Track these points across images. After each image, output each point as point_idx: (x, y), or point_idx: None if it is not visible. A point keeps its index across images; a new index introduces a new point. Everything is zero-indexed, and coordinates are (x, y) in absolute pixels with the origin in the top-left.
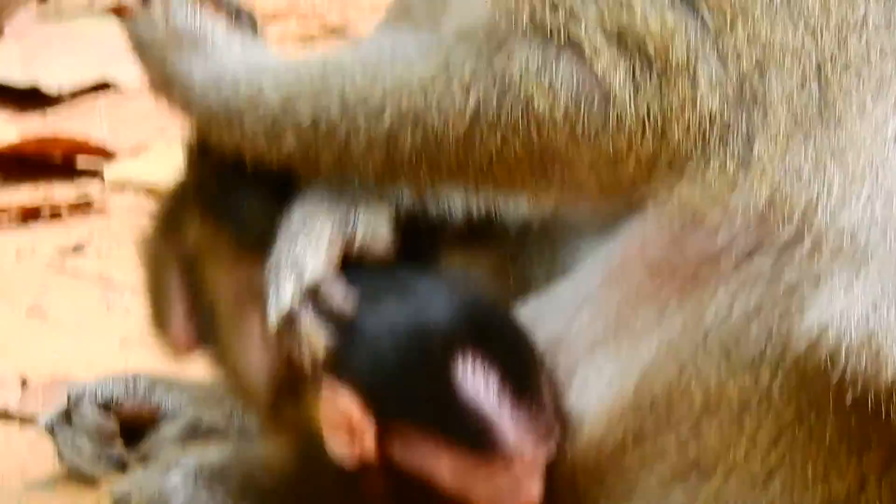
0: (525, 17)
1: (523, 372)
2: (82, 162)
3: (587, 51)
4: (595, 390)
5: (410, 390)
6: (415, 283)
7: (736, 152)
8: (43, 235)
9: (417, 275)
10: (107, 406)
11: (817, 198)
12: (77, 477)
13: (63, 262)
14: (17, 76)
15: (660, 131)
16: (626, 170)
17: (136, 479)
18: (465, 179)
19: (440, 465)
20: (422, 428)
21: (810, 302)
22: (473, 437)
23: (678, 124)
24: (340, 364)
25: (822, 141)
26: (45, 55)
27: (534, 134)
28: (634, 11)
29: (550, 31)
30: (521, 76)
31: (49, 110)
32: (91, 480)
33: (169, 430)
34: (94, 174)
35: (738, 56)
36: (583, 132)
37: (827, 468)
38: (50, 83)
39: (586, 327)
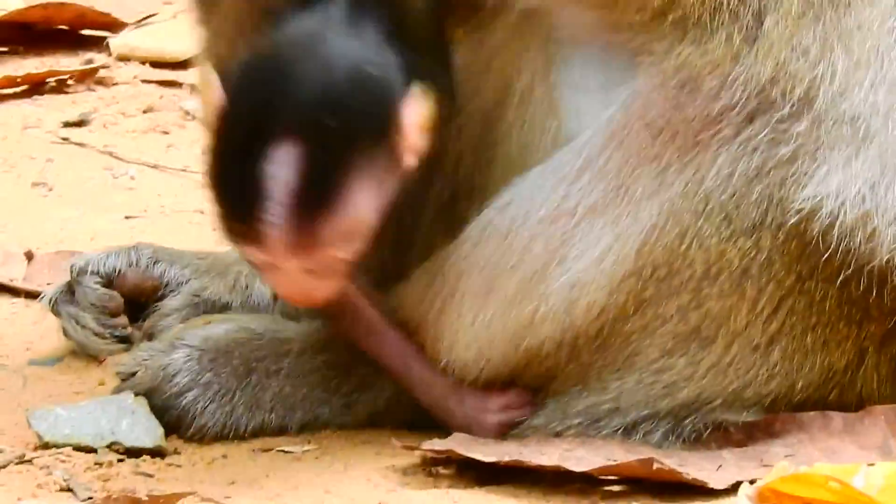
0: None
1: (325, 186)
2: (88, 32)
3: None
4: (595, 256)
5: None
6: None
7: (745, 26)
8: (48, 107)
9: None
10: (109, 279)
11: (820, 79)
12: (82, 353)
13: (68, 134)
14: None
15: None
16: (629, 14)
17: (141, 356)
18: None
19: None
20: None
21: (807, 176)
22: (238, 210)
23: None
24: None
25: (830, 23)
26: None
27: None
28: None
29: None
30: None
31: None
32: (96, 356)
33: (172, 302)
34: (100, 43)
35: None
36: None
37: (827, 338)
38: None
39: (587, 192)
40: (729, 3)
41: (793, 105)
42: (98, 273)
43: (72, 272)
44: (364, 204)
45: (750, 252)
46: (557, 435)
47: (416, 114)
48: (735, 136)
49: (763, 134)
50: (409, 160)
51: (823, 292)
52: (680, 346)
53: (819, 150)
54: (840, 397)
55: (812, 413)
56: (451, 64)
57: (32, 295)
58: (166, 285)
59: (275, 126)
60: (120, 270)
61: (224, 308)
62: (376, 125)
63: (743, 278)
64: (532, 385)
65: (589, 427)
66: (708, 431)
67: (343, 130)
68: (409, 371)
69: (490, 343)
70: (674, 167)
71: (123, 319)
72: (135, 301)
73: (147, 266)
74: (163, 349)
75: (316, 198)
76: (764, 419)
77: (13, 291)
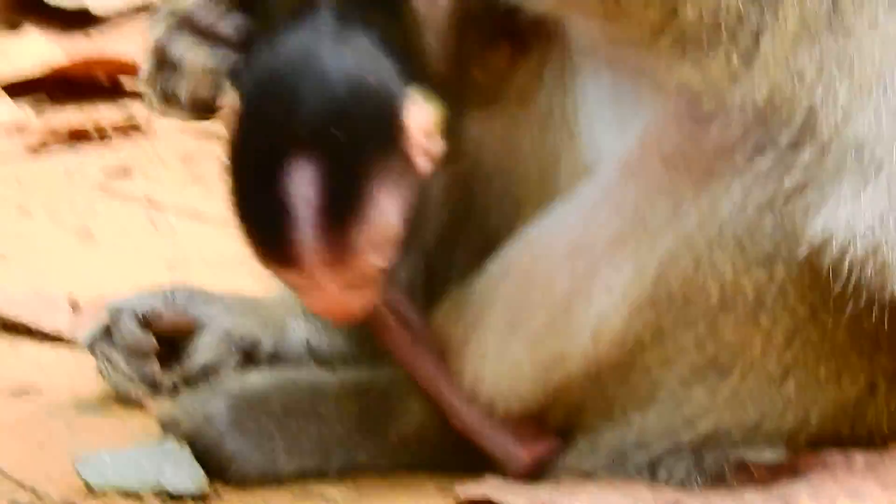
0: None
1: (350, 199)
2: (127, 83)
3: None
4: (615, 288)
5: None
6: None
7: (742, 45)
8: (90, 157)
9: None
10: (146, 320)
11: (821, 104)
12: (125, 399)
13: (110, 183)
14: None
15: (671, 6)
16: (630, 28)
17: (183, 404)
18: None
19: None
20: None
21: (817, 207)
22: (266, 233)
23: (692, 5)
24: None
25: (827, 47)
26: None
27: None
28: None
29: None
30: None
31: (94, 32)
32: (138, 402)
33: (205, 339)
34: (139, 95)
35: None
36: None
37: (839, 369)
38: (96, 4)
39: (605, 225)
40: (727, 20)
41: (795, 131)
42: (135, 313)
43: (109, 313)
44: (386, 208)
45: (764, 282)
46: (588, 474)
47: (419, 116)
48: (746, 165)
49: (772, 163)
50: (423, 162)
51: (835, 324)
52: (698, 376)
53: (827, 181)
54: (852, 431)
55: (835, 452)
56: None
57: (77, 343)
58: (201, 325)
59: (287, 148)
60: (156, 310)
61: (255, 345)
62: (382, 132)
63: (757, 308)
64: (561, 421)
65: (616, 463)
66: (731, 469)
67: (352, 141)
68: (441, 395)
69: (517, 379)
70: (688, 198)
71: (155, 365)
72: (171, 341)
73: (183, 306)
74: (204, 396)
75: (340, 210)
76: (787, 458)
77: (59, 339)
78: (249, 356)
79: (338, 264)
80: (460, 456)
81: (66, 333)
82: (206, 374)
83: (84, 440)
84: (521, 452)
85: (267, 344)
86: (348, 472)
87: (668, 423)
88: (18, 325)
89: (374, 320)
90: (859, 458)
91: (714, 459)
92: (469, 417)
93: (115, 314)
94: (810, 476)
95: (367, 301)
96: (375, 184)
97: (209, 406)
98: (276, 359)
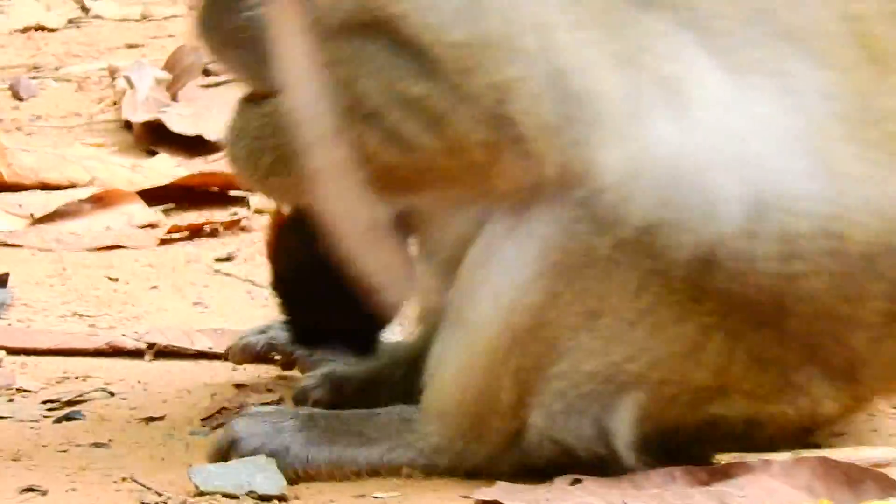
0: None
1: None
2: (234, 192)
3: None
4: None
5: None
6: None
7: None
8: (204, 247)
9: None
10: (271, 344)
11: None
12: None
13: (219, 267)
14: (187, 129)
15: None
16: (471, 156)
17: (263, 429)
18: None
19: None
20: None
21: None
22: None
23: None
24: None
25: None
26: (208, 113)
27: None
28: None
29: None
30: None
31: (208, 154)
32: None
33: (311, 374)
34: (243, 201)
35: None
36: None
37: (680, 313)
38: (211, 133)
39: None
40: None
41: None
42: (270, 337)
43: (250, 333)
44: None
45: (612, 245)
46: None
47: None
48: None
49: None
50: None
51: (668, 277)
52: (585, 325)
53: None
54: (696, 374)
55: (756, 458)
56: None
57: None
58: (303, 361)
59: None
60: (275, 341)
61: (344, 381)
62: None
63: (610, 266)
64: (506, 411)
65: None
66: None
67: None
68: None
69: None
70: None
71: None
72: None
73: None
74: (275, 421)
75: None
76: (722, 464)
77: (205, 356)
78: (339, 388)
79: None
80: (470, 464)
81: (213, 349)
82: (306, 396)
83: (196, 455)
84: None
85: (354, 381)
86: (397, 475)
87: (575, 369)
88: (170, 348)
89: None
90: (776, 464)
91: (641, 429)
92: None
93: (261, 331)
94: (739, 478)
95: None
96: None
97: (284, 433)
98: (361, 391)
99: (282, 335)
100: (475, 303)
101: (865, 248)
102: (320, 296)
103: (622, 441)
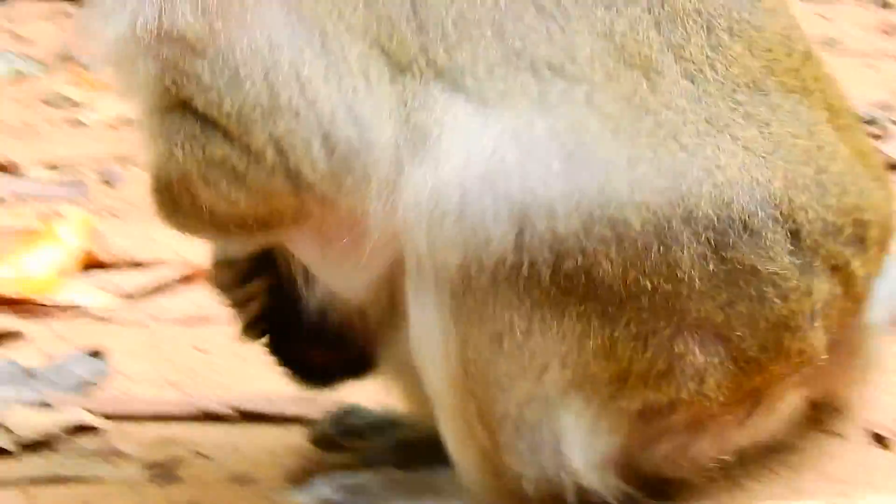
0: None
1: None
2: None
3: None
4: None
5: None
6: None
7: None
8: None
9: None
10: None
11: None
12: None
13: None
14: None
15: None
16: (280, 202)
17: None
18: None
19: None
20: None
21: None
22: None
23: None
24: None
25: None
26: None
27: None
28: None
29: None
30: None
31: None
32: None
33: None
34: None
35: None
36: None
37: (556, 307)
38: None
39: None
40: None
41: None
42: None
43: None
44: None
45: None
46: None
47: None
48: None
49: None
50: None
51: (541, 279)
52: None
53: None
54: (605, 371)
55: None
56: None
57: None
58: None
59: None
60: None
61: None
62: None
63: (479, 290)
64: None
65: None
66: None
67: None
68: None
69: None
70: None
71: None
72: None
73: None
74: (322, 489)
75: None
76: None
77: (290, 420)
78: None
79: None
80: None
81: (297, 414)
82: (368, 462)
83: None
84: None
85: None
86: None
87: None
88: (257, 413)
89: None
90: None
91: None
92: None
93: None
94: (710, 492)
95: None
96: None
97: (324, 492)
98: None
99: (357, 421)
100: (422, 372)
101: (646, 226)
102: (296, 331)
103: (583, 463)
